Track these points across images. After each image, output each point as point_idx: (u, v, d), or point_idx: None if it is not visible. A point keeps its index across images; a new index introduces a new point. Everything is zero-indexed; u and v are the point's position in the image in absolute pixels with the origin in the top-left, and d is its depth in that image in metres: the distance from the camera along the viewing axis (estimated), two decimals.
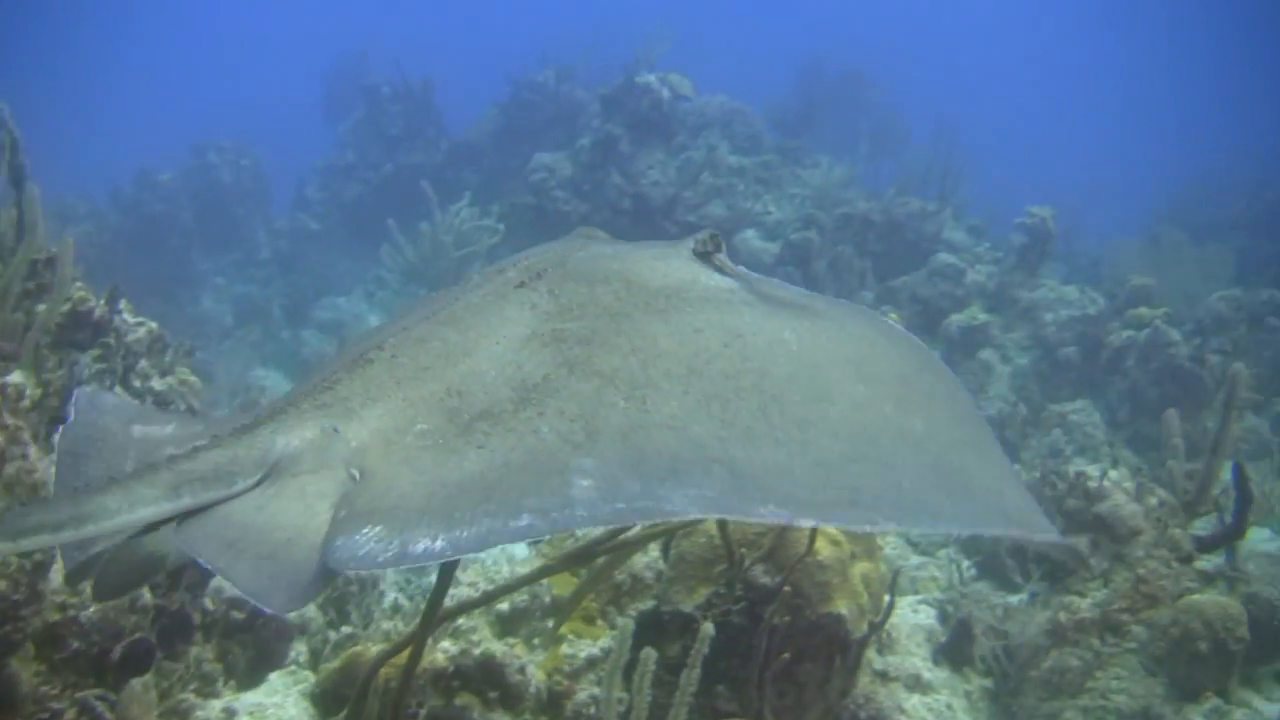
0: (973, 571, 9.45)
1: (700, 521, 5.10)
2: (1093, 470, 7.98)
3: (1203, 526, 8.30)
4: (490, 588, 5.74)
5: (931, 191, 19.90)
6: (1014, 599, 8.51)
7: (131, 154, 29.29)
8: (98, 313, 6.55)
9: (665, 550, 5.89)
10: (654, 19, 21.13)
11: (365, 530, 2.52)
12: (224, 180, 26.24)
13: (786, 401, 3.01)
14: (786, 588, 5.30)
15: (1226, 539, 8.03)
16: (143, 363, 6.83)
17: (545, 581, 5.81)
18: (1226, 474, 8.08)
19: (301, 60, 44.12)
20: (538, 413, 2.89)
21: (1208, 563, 8.37)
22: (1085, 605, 7.39)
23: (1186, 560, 7.60)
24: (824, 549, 5.60)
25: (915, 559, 9.80)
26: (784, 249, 18.30)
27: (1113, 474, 7.93)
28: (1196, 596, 7.25)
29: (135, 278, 19.11)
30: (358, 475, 2.76)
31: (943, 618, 8.14)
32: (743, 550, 5.44)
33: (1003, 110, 60.26)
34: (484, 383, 3.06)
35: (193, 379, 7.16)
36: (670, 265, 3.78)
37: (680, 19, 22.82)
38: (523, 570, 6.39)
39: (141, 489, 2.66)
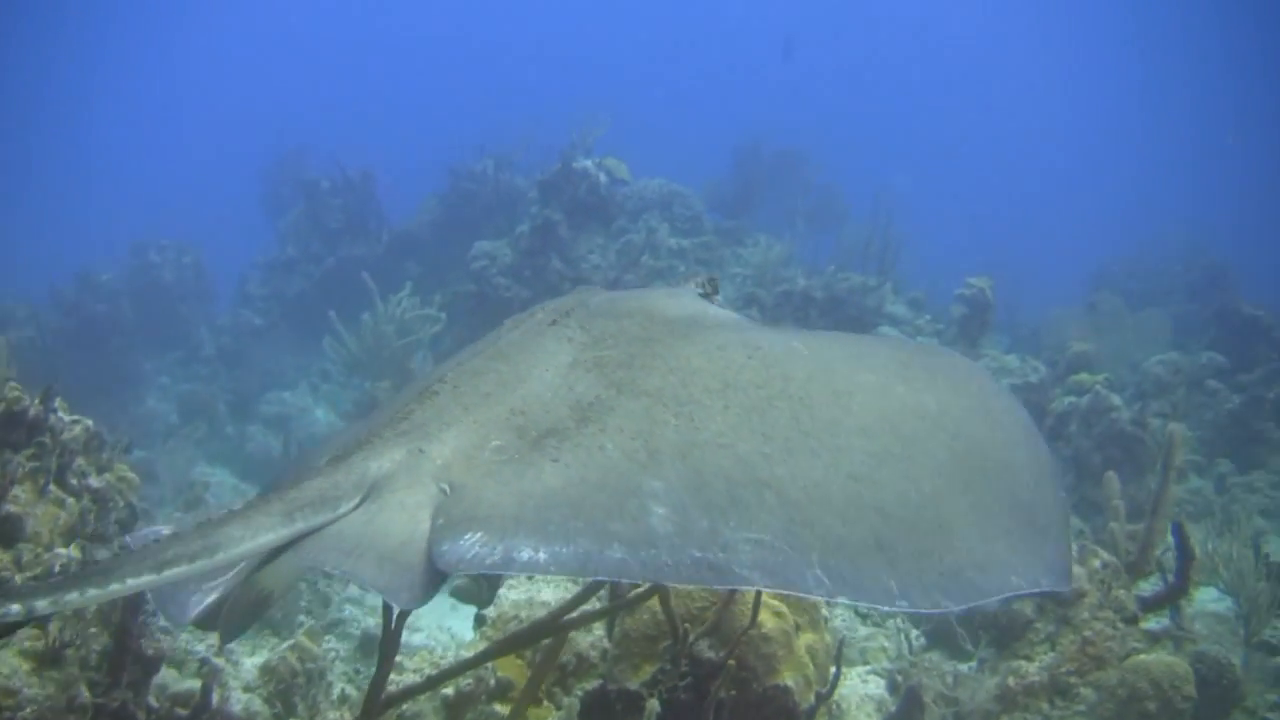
0: (922, 641, 9.44)
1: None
2: None
3: (1148, 587, 8.35)
4: (434, 672, 5.70)
5: (871, 266, 20.07)
6: (964, 666, 8.51)
7: (71, 255, 29.18)
8: (32, 411, 6.50)
9: (609, 628, 5.88)
10: (590, 106, 21.27)
11: (467, 536, 2.78)
12: (165, 279, 26.14)
13: (813, 403, 3.28)
14: (731, 661, 5.29)
15: (1170, 598, 8.08)
16: (79, 461, 6.78)
17: (490, 664, 5.78)
18: (1169, 534, 8.13)
19: (240, 157, 44.17)
20: (599, 429, 3.17)
21: (1154, 623, 8.41)
22: (1033, 669, 7.41)
23: (1132, 621, 7.63)
24: (768, 621, 5.61)
25: (863, 630, 9.78)
26: None
27: None
28: (1143, 656, 7.28)
29: (78, 378, 19.05)
30: (448, 489, 3.01)
31: (892, 687, 8.12)
32: (686, 625, 5.43)
33: (941, 183, 60.98)
34: (543, 403, 3.37)
35: (131, 475, 7.12)
36: (681, 301, 4.26)
37: (616, 105, 22.98)
38: (467, 653, 6.35)
39: (259, 518, 2.92)
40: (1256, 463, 17.02)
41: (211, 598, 3.45)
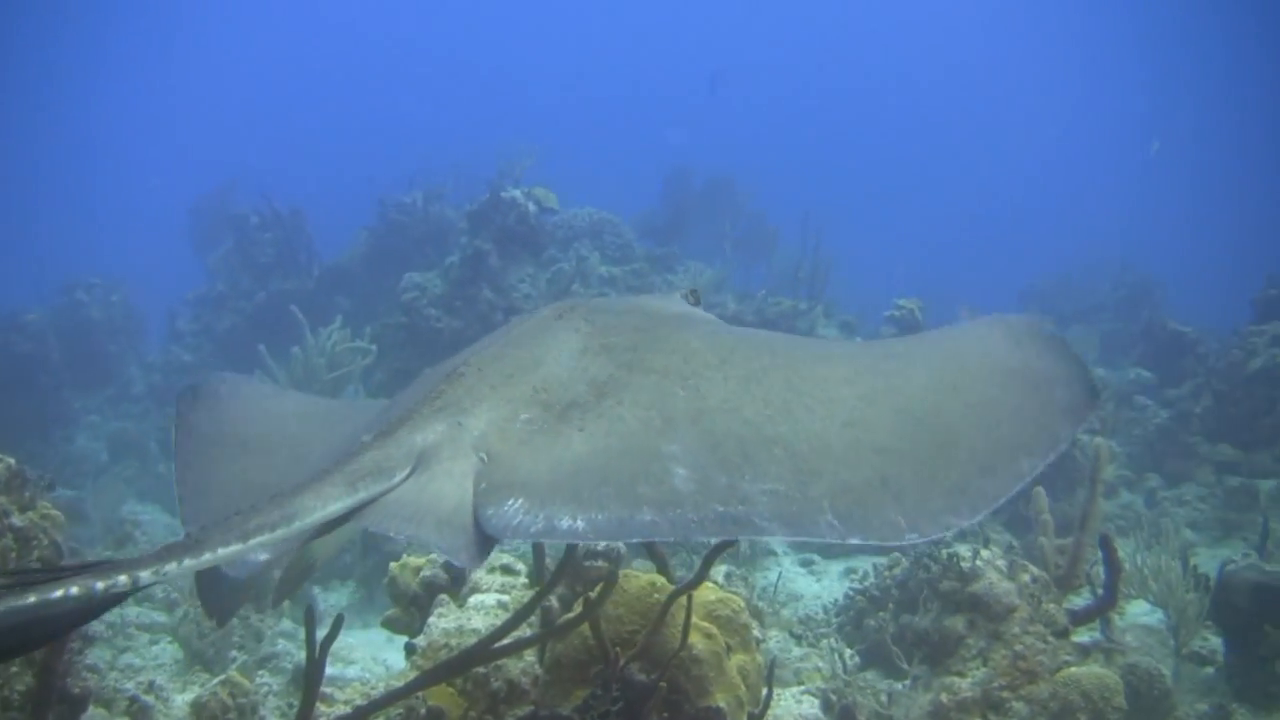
0: (856, 660, 9.46)
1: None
2: (965, 550, 8.05)
3: (1078, 601, 8.42)
4: (364, 703, 5.67)
5: (802, 291, 20.22)
6: (899, 685, 8.53)
7: None
8: None
9: (541, 654, 5.86)
10: (519, 135, 21.28)
11: (509, 502, 3.16)
12: (94, 317, 25.82)
13: (799, 368, 3.68)
14: (663, 684, 5.28)
15: (1100, 611, 8.15)
16: (1, 499, 6.70)
17: (421, 694, 5.74)
18: (1098, 548, 8.21)
19: (167, 194, 43.90)
20: (616, 402, 3.57)
21: (1085, 636, 8.48)
22: (966, 685, 7.44)
23: (1062, 634, 7.69)
24: (699, 643, 5.60)
25: (797, 650, 9.80)
26: None
27: (984, 553, 8.00)
28: (1074, 669, 7.33)
29: (6, 419, 18.81)
30: (486, 458, 3.40)
31: (826, 706, 8.13)
32: (617, 649, 5.42)
33: (871, 205, 61.46)
34: (561, 382, 3.76)
35: (54, 513, 7.01)
36: (671, 302, 4.88)
37: (545, 134, 23.04)
38: (398, 684, 6.31)
39: (327, 488, 3.26)
40: (1185, 476, 17.20)
41: (262, 557, 3.68)
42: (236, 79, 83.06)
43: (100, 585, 2.72)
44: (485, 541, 3.13)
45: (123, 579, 2.76)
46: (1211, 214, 65.48)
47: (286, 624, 10.85)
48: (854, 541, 2.99)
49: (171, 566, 2.91)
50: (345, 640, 11.32)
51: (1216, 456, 17.38)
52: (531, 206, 19.83)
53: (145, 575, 2.81)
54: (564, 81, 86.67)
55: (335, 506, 3.23)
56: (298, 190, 27.76)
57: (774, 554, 14.22)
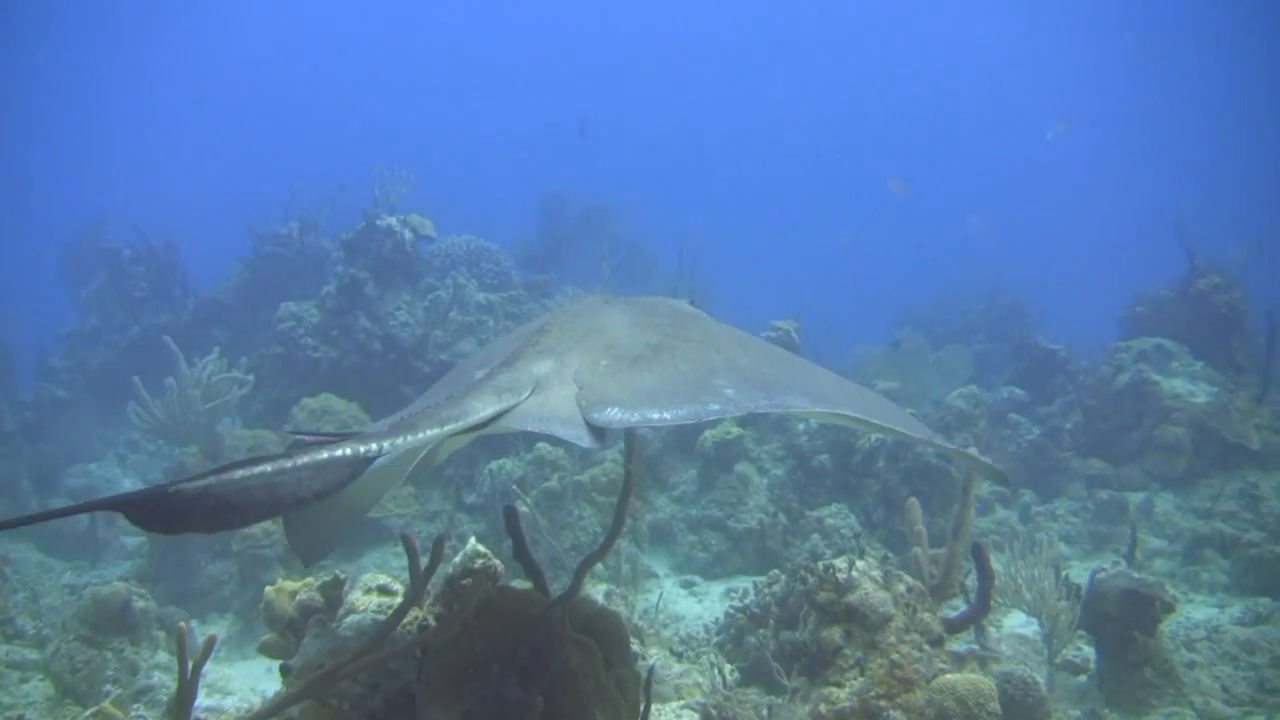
0: (736, 676, 9.51)
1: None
2: (841, 562, 8.12)
3: (954, 611, 8.53)
4: None
5: None
6: (780, 700, 8.57)
7: None
8: None
9: (419, 671, 5.82)
10: (394, 163, 21.15)
11: (609, 409, 4.27)
12: None
13: (789, 358, 5.48)
14: (540, 698, 5.29)
15: (974, 618, 8.27)
16: None
17: (296, 713, 5.69)
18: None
19: (36, 227, 43.16)
20: (671, 356, 4.77)
21: (961, 645, 8.59)
22: (844, 695, 7.49)
23: (938, 643, 7.77)
24: (576, 656, 5.61)
25: (677, 667, 9.82)
26: None
27: (860, 564, 8.08)
28: (949, 676, 7.41)
29: None
30: (580, 387, 4.53)
31: None
32: (495, 665, 5.42)
33: (752, 231, 61.92)
34: (625, 344, 4.96)
35: None
36: (682, 304, 6.34)
37: (420, 162, 22.95)
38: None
39: (485, 396, 4.40)
40: (1058, 491, 17.52)
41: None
42: (106, 110, 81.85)
43: (362, 449, 3.70)
44: (598, 431, 4.19)
45: (373, 446, 3.73)
46: (1079, 233, 66.81)
47: (162, 656, 10.68)
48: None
49: (400, 440, 3.86)
50: (223, 671, 11.18)
51: (1088, 471, 17.75)
52: (408, 234, 19.77)
53: (385, 445, 3.77)
54: (440, 110, 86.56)
55: (490, 410, 4.30)
56: (170, 223, 27.40)
57: (655, 576, 14.24)
